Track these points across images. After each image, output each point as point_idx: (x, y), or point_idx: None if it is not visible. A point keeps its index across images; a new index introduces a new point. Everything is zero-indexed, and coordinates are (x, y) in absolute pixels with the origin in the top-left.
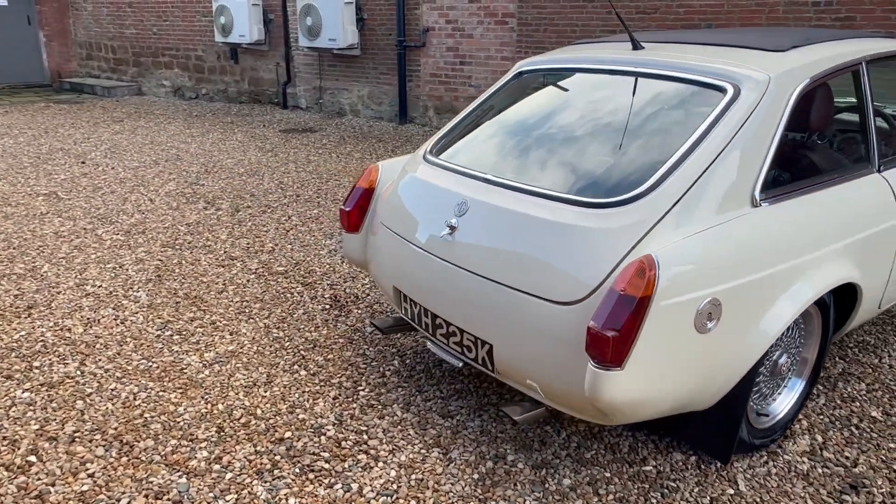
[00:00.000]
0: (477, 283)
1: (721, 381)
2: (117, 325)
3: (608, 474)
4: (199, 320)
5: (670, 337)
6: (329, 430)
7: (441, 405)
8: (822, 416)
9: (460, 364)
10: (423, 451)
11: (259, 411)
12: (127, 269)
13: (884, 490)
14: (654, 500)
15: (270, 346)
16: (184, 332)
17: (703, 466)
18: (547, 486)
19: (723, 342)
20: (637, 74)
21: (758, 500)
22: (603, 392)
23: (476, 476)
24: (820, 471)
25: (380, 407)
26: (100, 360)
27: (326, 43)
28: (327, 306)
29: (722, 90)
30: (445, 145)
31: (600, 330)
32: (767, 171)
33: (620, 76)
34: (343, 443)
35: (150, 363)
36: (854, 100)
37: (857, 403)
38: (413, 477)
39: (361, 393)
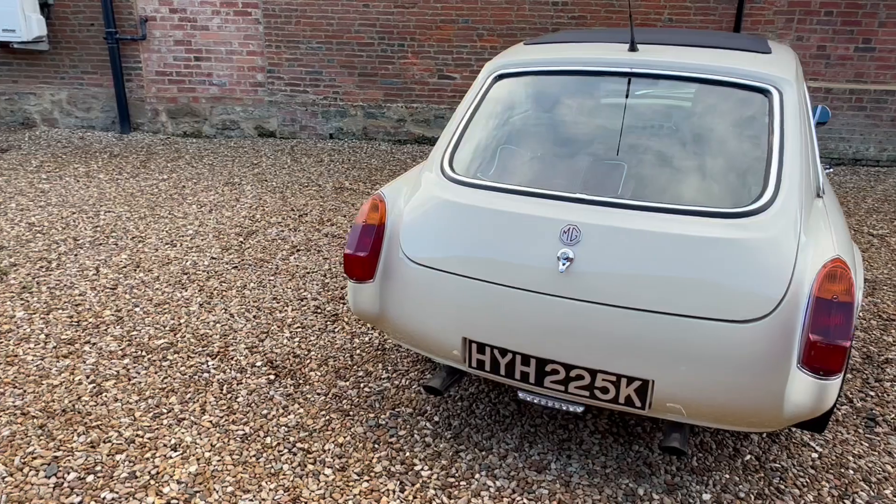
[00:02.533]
0: (622, 317)
1: None
2: None
3: (728, 475)
4: (101, 446)
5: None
6: None
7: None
8: None
9: (580, 410)
10: None
11: None
12: None
13: None
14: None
15: (247, 451)
16: (98, 470)
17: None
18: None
19: None
20: (661, 77)
21: None
22: (824, 401)
23: None
24: None
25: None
26: None
27: (2, 35)
28: (271, 377)
29: (766, 92)
30: (468, 163)
31: (826, 341)
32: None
33: (641, 79)
34: None
35: None
36: None
37: None
38: None
39: (425, 473)
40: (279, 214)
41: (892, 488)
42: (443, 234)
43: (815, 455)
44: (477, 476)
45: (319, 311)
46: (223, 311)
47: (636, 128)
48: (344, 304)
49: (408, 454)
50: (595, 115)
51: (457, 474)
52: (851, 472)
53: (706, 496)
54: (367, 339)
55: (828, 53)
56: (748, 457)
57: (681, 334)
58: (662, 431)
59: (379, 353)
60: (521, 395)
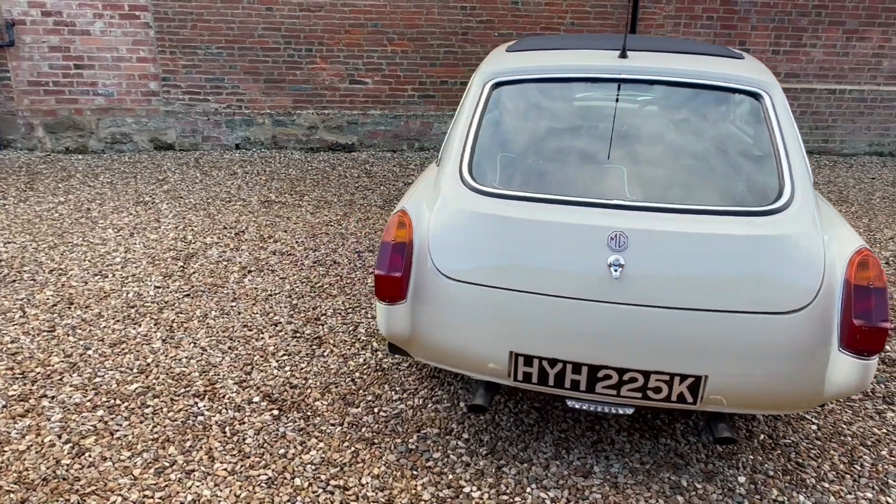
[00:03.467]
0: (675, 317)
1: None
2: None
3: (752, 456)
4: None
5: None
6: None
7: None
8: None
9: (630, 411)
10: None
11: None
12: None
13: None
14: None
15: (279, 497)
16: None
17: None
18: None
19: None
20: (659, 83)
21: None
22: (867, 378)
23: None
24: None
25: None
26: None
27: None
28: (275, 412)
29: (757, 95)
30: (489, 173)
31: (869, 324)
32: None
33: (641, 84)
34: None
35: None
36: None
37: None
38: None
39: (475, 494)
40: (213, 234)
41: (887, 448)
42: (480, 247)
43: (814, 427)
44: (528, 490)
45: (299, 335)
46: (192, 344)
47: (647, 132)
48: (323, 325)
49: (451, 476)
50: (601, 120)
51: (508, 490)
52: (849, 438)
53: (741, 479)
54: (361, 360)
55: None
56: (762, 437)
57: (731, 329)
58: (705, 424)
59: (379, 373)
60: (570, 403)
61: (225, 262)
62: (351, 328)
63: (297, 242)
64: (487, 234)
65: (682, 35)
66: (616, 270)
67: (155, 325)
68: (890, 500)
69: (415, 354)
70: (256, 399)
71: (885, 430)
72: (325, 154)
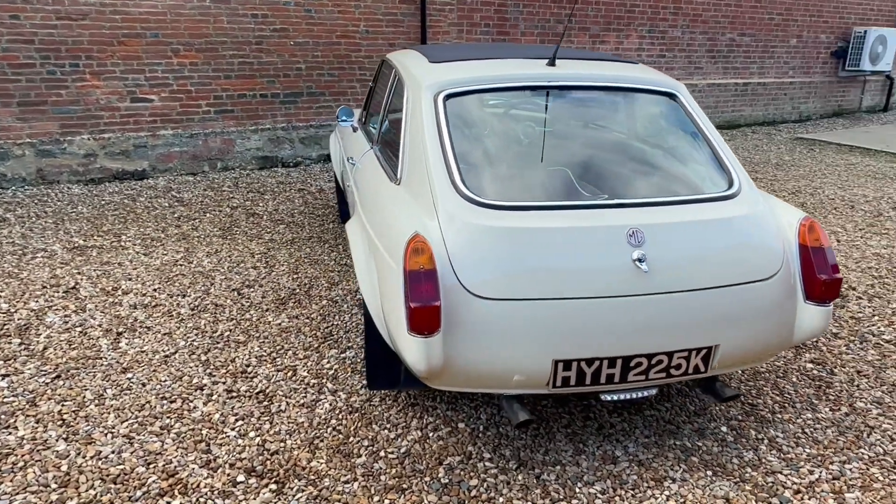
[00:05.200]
0: (692, 298)
1: None
2: None
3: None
4: None
5: None
6: None
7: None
8: None
9: (654, 392)
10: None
11: None
12: None
13: None
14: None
15: None
16: None
17: None
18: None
19: None
20: (592, 88)
21: None
22: (828, 321)
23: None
24: None
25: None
26: None
27: None
28: (272, 487)
29: (673, 96)
30: (485, 185)
31: (827, 277)
32: None
33: (578, 91)
34: None
35: None
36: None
37: None
38: None
39: None
40: (33, 296)
41: (795, 376)
42: (508, 262)
43: (738, 372)
44: (577, 490)
45: (236, 394)
46: (109, 435)
47: (602, 134)
48: (256, 377)
49: (502, 499)
50: (555, 125)
51: (561, 496)
52: (767, 374)
53: (724, 428)
54: (326, 405)
55: None
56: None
57: (732, 300)
58: (703, 391)
59: (356, 415)
60: (604, 397)
61: (78, 328)
62: (289, 373)
63: (154, 290)
64: (513, 248)
65: (465, 39)
66: (642, 264)
67: (38, 423)
68: (821, 416)
69: (438, 384)
70: (241, 478)
71: (783, 363)
72: (114, 185)
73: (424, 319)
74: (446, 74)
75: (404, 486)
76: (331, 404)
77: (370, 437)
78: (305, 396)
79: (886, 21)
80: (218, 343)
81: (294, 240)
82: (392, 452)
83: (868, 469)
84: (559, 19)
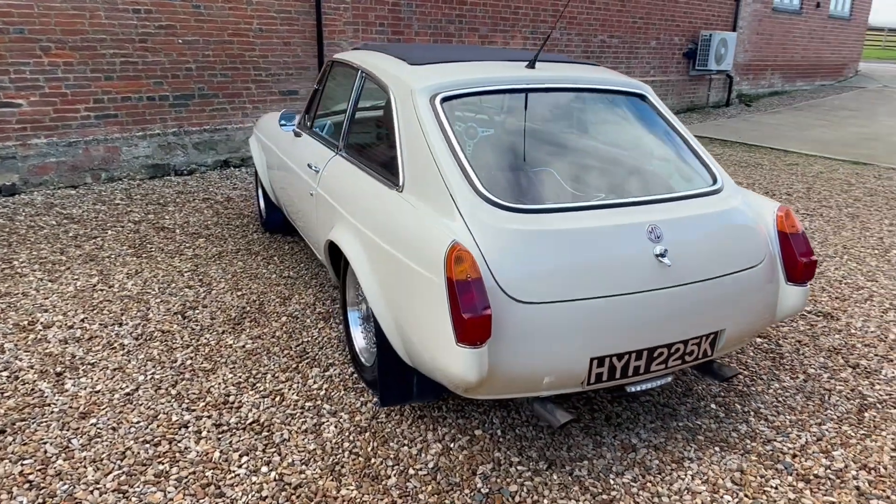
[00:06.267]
0: (705, 287)
1: None
2: None
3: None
4: None
5: None
6: None
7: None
8: None
9: (670, 379)
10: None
11: None
12: None
13: None
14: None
15: None
16: None
17: None
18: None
19: None
20: (577, 90)
21: None
22: (805, 301)
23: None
24: None
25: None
26: None
27: None
28: None
29: (643, 97)
30: (507, 190)
31: (806, 259)
32: None
33: (562, 93)
34: None
35: None
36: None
37: None
38: None
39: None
40: None
41: (751, 350)
42: (544, 265)
43: None
44: (612, 481)
45: (227, 427)
46: (95, 491)
47: (594, 133)
48: (243, 407)
49: (546, 501)
50: (549, 126)
51: (599, 490)
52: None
53: (713, 405)
54: (333, 428)
55: None
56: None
57: (735, 286)
58: (703, 374)
59: (368, 434)
60: (630, 388)
61: (5, 373)
62: (277, 399)
63: (82, 321)
64: (547, 250)
65: (360, 38)
66: (664, 258)
67: (1, 490)
68: (786, 384)
69: (474, 394)
70: None
71: None
72: None
73: (477, 329)
74: (435, 77)
75: (447, 501)
76: (336, 426)
77: (392, 456)
78: (305, 422)
79: (725, 26)
80: (182, 373)
81: (221, 254)
82: (420, 469)
83: (840, 428)
84: (450, 19)
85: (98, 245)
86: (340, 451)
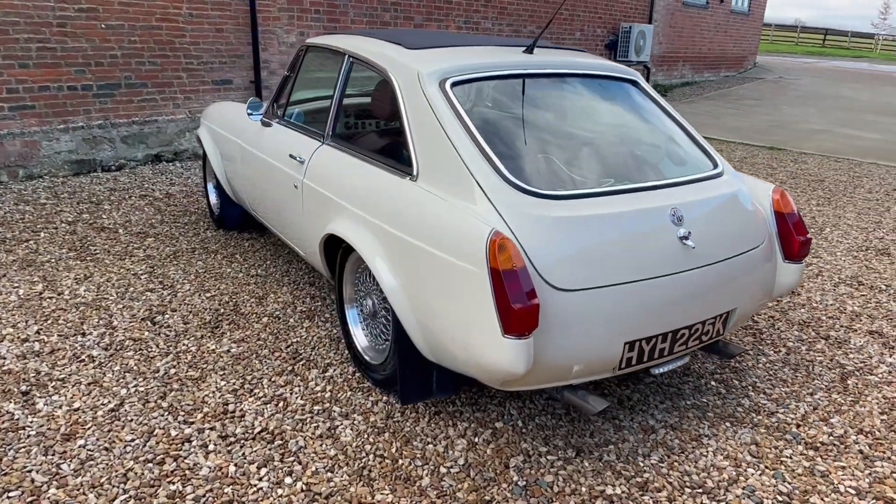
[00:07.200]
0: (724, 267)
1: None
2: None
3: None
4: None
5: None
6: None
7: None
8: None
9: (688, 360)
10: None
11: None
12: None
13: None
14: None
15: None
16: None
17: None
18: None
19: None
20: (578, 76)
21: None
22: (800, 277)
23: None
24: None
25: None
26: None
27: None
28: None
29: (635, 83)
30: (533, 177)
31: (802, 238)
32: None
33: (564, 78)
34: None
35: None
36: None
37: None
38: None
39: (620, 489)
40: None
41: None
42: (579, 251)
43: None
44: (642, 463)
45: (232, 438)
46: None
47: (600, 118)
48: (256, 418)
49: (584, 489)
50: (557, 110)
51: (632, 472)
52: None
53: (713, 382)
54: (350, 431)
55: None
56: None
57: (745, 266)
58: (708, 353)
59: (387, 435)
60: (655, 371)
61: None
62: (281, 405)
63: (33, 333)
64: (581, 236)
65: (296, 26)
66: (688, 241)
67: None
68: (773, 358)
69: (510, 386)
70: None
71: None
72: None
73: (525, 319)
74: (440, 62)
75: (486, 497)
76: (352, 429)
77: (419, 455)
78: (318, 426)
79: (642, 18)
80: (168, 384)
81: (176, 254)
82: (452, 466)
83: (830, 396)
84: (385, 7)
85: (32, 249)
86: (364, 454)
